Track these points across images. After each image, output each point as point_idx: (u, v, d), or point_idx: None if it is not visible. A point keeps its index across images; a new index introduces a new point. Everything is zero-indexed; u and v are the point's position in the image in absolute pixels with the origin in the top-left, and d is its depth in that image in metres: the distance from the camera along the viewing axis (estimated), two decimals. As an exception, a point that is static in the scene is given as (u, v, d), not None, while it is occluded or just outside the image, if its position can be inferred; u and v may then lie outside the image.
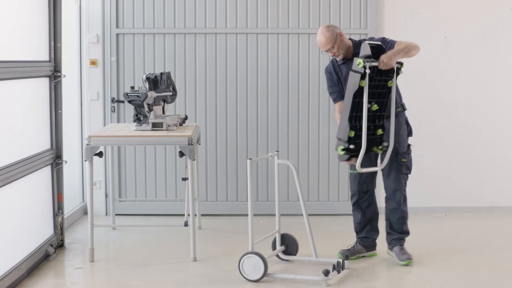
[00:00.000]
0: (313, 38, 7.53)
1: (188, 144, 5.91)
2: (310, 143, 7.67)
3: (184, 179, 6.70)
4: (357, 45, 5.83)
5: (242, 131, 7.63)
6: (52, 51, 6.16)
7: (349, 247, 6.13)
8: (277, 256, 6.00)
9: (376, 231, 6.14)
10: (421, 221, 7.48)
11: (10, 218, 5.37)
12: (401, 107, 6.00)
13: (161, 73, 6.49)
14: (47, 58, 6.10)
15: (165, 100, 6.54)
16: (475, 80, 7.76)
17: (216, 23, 7.60)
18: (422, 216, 7.66)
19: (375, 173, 6.03)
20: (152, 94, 6.29)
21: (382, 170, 5.92)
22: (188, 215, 6.30)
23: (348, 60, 5.85)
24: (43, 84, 6.06)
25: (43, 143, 6.06)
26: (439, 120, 7.77)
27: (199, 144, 7.09)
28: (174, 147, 7.47)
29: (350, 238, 6.22)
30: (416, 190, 7.75)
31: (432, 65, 7.71)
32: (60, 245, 6.34)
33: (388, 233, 6.07)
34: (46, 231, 6.12)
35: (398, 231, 6.03)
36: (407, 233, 6.08)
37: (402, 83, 7.59)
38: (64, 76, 6.30)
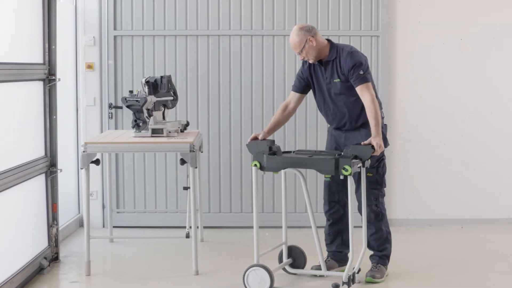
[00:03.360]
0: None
1: (190, 151, 5.91)
2: (320, 147, 7.61)
3: (186, 188, 6.70)
4: (332, 48, 5.82)
5: (246, 138, 7.54)
6: (47, 53, 6.16)
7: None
8: (284, 269, 5.98)
9: (347, 246, 5.88)
10: (435, 234, 7.47)
11: (2, 229, 5.36)
12: None
13: (161, 77, 6.50)
14: (41, 61, 6.11)
15: (165, 105, 6.54)
16: (493, 85, 7.73)
17: (219, 25, 7.61)
18: (436, 229, 7.65)
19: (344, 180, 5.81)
20: (152, 99, 6.29)
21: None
22: (190, 227, 6.29)
23: (322, 63, 5.84)
24: (37, 88, 6.06)
25: (37, 150, 6.06)
26: (454, 128, 7.74)
27: (202, 151, 7.08)
28: (175, 154, 7.46)
29: (359, 251, 6.15)
30: (431, 201, 7.76)
31: (447, 69, 7.69)
32: (54, 258, 6.33)
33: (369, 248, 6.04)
34: (40, 243, 6.11)
35: (375, 249, 5.96)
36: (385, 251, 5.96)
37: (415, 88, 7.62)
38: (59, 79, 6.30)
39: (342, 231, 6.03)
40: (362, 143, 5.52)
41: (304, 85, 5.99)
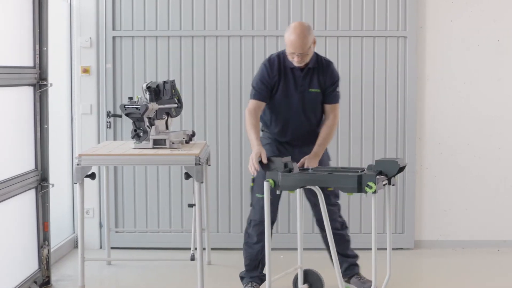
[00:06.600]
0: (342, 41, 7.55)
1: (195, 164, 5.91)
2: (340, 163, 7.63)
3: (191, 205, 6.69)
4: (315, 57, 5.98)
5: (259, 150, 7.61)
6: (37, 56, 6.18)
7: None
8: (299, 296, 6.00)
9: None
10: (469, 257, 7.44)
11: (-13, 249, 5.40)
12: None
13: (164, 82, 6.50)
14: (31, 64, 6.13)
15: (168, 113, 6.55)
16: (534, 91, 7.74)
17: (229, 24, 7.62)
18: (470, 251, 7.62)
19: (279, 198, 6.08)
20: (154, 106, 6.30)
21: (308, 199, 6.08)
22: (196, 248, 6.28)
23: (301, 70, 5.94)
24: (26, 94, 6.09)
25: (27, 163, 6.08)
26: (491, 139, 7.72)
27: (209, 165, 7.08)
28: (179, 168, 7.47)
29: (383, 274, 6.14)
30: (464, 220, 7.73)
31: (483, 73, 7.67)
32: (46, 283, 6.35)
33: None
34: (29, 266, 6.13)
35: (346, 257, 6.16)
36: (355, 256, 6.27)
37: (447, 95, 7.61)
38: (51, 85, 6.31)
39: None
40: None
41: (270, 92, 6.00)
